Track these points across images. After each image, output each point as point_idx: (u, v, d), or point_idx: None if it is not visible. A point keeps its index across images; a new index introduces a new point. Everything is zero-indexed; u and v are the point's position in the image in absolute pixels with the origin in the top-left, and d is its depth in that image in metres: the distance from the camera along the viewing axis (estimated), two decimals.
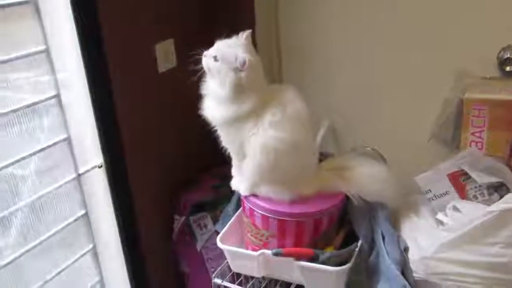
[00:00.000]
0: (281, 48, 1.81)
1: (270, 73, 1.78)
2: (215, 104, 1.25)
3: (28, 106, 1.26)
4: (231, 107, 1.21)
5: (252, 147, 1.22)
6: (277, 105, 1.22)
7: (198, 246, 1.72)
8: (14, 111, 1.23)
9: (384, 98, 1.65)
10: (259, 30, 1.78)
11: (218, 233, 1.43)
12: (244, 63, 1.17)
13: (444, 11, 1.47)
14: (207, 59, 1.22)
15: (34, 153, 1.29)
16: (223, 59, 1.19)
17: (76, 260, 1.46)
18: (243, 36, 1.22)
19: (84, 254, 1.49)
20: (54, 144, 1.34)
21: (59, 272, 1.41)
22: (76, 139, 1.40)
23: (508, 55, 1.39)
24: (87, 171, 1.45)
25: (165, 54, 1.60)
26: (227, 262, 1.44)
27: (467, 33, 1.45)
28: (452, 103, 1.43)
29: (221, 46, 1.22)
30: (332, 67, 1.73)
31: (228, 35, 1.24)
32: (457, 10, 1.45)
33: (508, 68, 1.40)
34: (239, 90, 1.19)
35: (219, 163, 1.55)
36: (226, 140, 1.29)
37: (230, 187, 1.40)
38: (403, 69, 1.59)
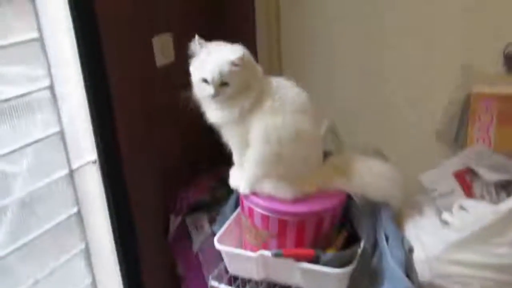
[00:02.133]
0: (282, 45, 1.79)
1: (270, 69, 1.75)
2: (216, 106, 1.22)
3: (20, 96, 1.22)
4: (234, 107, 1.19)
5: (255, 136, 1.19)
6: (277, 92, 1.21)
7: (194, 248, 1.67)
8: (6, 100, 1.19)
9: (387, 96, 1.63)
10: (260, 27, 1.76)
11: (215, 234, 1.39)
12: (241, 57, 1.16)
13: (449, 7, 1.45)
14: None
15: (25, 146, 1.24)
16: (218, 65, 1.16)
17: (68, 260, 1.41)
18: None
19: (76, 254, 1.44)
20: (47, 137, 1.29)
21: (50, 272, 1.35)
22: (70, 133, 1.36)
23: None
24: (81, 166, 1.40)
25: (163, 48, 1.56)
26: (224, 264, 1.39)
27: (473, 29, 1.43)
28: (458, 99, 1.40)
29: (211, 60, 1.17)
30: (334, 64, 1.71)
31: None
32: (463, 6, 1.43)
33: None
34: (241, 88, 1.18)
35: (217, 163, 1.52)
36: (229, 134, 1.26)
37: (227, 188, 1.36)
38: (407, 66, 1.56)
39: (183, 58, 1.62)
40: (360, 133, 1.64)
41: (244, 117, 1.19)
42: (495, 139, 1.31)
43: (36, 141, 1.27)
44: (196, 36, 1.19)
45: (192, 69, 1.21)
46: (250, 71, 1.20)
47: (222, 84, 1.17)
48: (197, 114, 1.25)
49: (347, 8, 1.62)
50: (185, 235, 1.68)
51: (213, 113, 1.23)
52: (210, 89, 1.17)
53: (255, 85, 1.20)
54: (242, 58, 1.17)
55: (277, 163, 1.20)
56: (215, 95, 1.17)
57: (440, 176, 1.26)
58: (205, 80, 1.17)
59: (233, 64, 1.16)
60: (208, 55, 1.18)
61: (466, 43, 1.45)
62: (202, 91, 1.19)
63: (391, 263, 1.16)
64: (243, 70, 1.18)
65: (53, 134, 1.31)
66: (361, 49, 1.64)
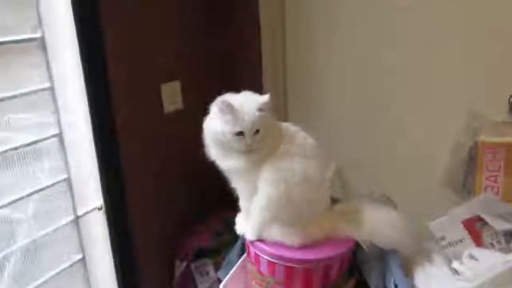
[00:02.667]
0: (288, 89, 1.81)
1: (275, 115, 1.77)
2: (226, 155, 1.21)
3: (29, 144, 1.23)
4: (248, 157, 1.18)
5: (263, 181, 1.18)
6: (287, 140, 1.21)
7: None
8: (15, 149, 1.20)
9: (394, 142, 1.62)
10: (265, 72, 1.79)
11: (220, 280, 1.37)
12: (268, 101, 1.17)
13: (456, 53, 1.47)
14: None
15: (32, 194, 1.24)
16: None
17: None
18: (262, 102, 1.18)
19: None
20: (54, 184, 1.30)
21: None
22: (77, 180, 1.37)
23: None
24: (86, 213, 1.40)
25: (171, 95, 1.59)
26: None
27: (478, 76, 1.44)
28: (463, 147, 1.40)
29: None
30: (340, 109, 1.72)
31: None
32: (469, 52, 1.45)
33: None
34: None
35: (222, 208, 1.52)
36: (239, 181, 1.25)
37: (233, 233, 1.35)
38: (413, 111, 1.57)
39: (190, 105, 1.67)
40: (367, 180, 1.63)
41: (258, 165, 1.19)
42: (503, 188, 1.30)
43: (42, 189, 1.27)
44: (220, 98, 1.17)
45: (217, 125, 1.17)
46: (270, 117, 1.22)
47: (255, 132, 1.17)
48: (204, 160, 1.25)
49: (356, 49, 1.64)
50: (190, 281, 1.65)
51: (229, 162, 1.20)
52: (246, 140, 1.15)
53: (271, 132, 1.20)
54: (269, 102, 1.18)
55: (285, 208, 1.19)
56: (252, 144, 1.16)
57: (449, 224, 1.24)
58: (239, 133, 1.16)
59: (262, 108, 1.17)
60: (236, 110, 1.15)
61: (471, 90, 1.45)
62: (234, 144, 1.17)
63: None
64: (268, 114, 1.19)
65: (60, 181, 1.32)
66: (367, 97, 1.65)
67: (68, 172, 1.33)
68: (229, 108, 1.15)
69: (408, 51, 1.55)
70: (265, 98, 1.19)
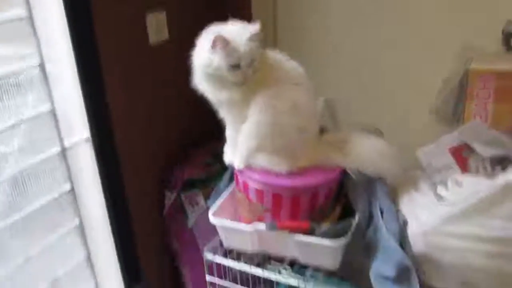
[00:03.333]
0: (277, 17, 1.76)
1: (266, 44, 1.73)
2: (218, 87, 1.19)
3: (9, 75, 1.19)
4: (241, 88, 1.17)
5: (252, 108, 1.18)
6: (275, 67, 1.20)
7: (189, 223, 1.68)
8: None
9: (383, 73, 1.61)
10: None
11: (209, 209, 1.39)
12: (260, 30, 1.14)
13: None
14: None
15: (16, 124, 1.22)
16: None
17: (62, 236, 1.40)
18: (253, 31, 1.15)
19: (71, 230, 1.43)
20: (38, 116, 1.27)
21: (45, 248, 1.35)
22: (62, 111, 1.34)
23: None
24: (73, 144, 1.38)
25: (157, 25, 1.54)
26: (219, 237, 1.40)
27: (471, 6, 1.41)
28: (455, 76, 1.39)
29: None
30: (329, 41, 1.69)
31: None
32: None
33: None
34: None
35: (211, 139, 1.51)
36: (229, 111, 1.24)
37: (222, 164, 1.36)
38: (404, 41, 1.55)
39: (176, 36, 1.62)
40: (356, 111, 1.62)
41: (249, 95, 1.18)
42: (492, 116, 1.31)
43: (27, 120, 1.25)
44: (211, 32, 1.14)
45: (210, 59, 1.14)
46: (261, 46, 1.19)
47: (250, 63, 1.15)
48: (192, 91, 1.23)
49: None
50: (179, 211, 1.68)
51: (222, 93, 1.19)
52: (243, 72, 1.14)
53: (260, 62, 1.18)
54: (260, 31, 1.15)
55: (272, 135, 1.19)
56: (248, 75, 1.15)
57: (436, 151, 1.26)
58: (235, 66, 1.13)
59: (256, 37, 1.15)
60: (230, 43, 1.12)
61: (464, 22, 1.43)
62: (230, 77, 1.15)
63: (385, 235, 1.17)
64: (259, 44, 1.16)
65: (45, 113, 1.29)
66: (358, 27, 1.62)
67: (52, 103, 1.31)
68: (224, 43, 1.12)
69: None
70: (256, 27, 1.16)
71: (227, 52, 1.12)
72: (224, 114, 1.26)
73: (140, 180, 1.60)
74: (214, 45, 1.12)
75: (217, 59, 1.13)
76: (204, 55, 1.16)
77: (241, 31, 1.16)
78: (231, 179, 1.42)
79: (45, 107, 1.29)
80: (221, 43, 1.12)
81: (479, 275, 1.11)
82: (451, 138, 1.27)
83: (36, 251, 1.33)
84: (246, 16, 1.67)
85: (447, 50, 1.46)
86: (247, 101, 1.20)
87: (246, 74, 1.14)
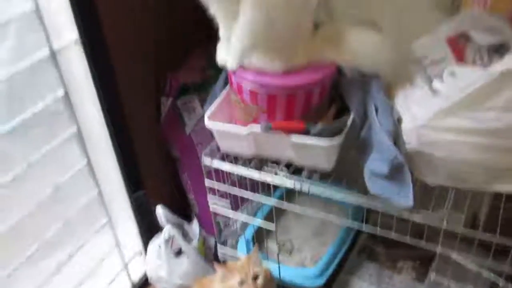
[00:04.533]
0: None
1: None
2: None
3: None
4: None
5: (244, 4, 1.13)
6: None
7: (187, 130, 1.69)
8: None
9: None
10: None
11: None
12: None
13: None
14: None
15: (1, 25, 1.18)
16: None
17: (61, 143, 1.41)
18: None
19: (69, 137, 1.44)
20: (22, 16, 1.22)
21: (44, 155, 1.36)
22: (47, 12, 1.28)
23: None
24: (63, 48, 1.34)
25: None
26: (216, 142, 1.41)
27: None
28: None
29: None
30: None
31: None
32: None
33: None
34: None
35: (206, 42, 1.47)
36: (218, 7, 1.18)
37: (217, 68, 1.33)
38: None
39: None
40: (351, 2, 1.54)
41: None
42: (491, 2, 1.24)
43: (11, 20, 1.20)
44: None
45: None
46: None
47: None
48: None
49: None
50: (177, 117, 1.68)
51: None
52: None
53: None
54: None
55: (266, 32, 1.15)
56: None
57: (433, 42, 1.20)
58: None
59: None
60: None
61: None
62: None
63: (379, 132, 1.16)
64: None
65: (28, 13, 1.24)
66: None
67: (36, 2, 1.25)
68: None
69: None
70: None
71: None
72: (214, 10, 1.20)
73: (135, 86, 1.57)
74: None
75: None
76: None
77: None
78: (226, 82, 1.39)
79: (29, 6, 1.23)
80: None
81: (471, 169, 1.11)
82: (449, 28, 1.20)
83: (36, 158, 1.34)
84: None
85: None
86: None
87: None
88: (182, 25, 1.67)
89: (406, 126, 1.15)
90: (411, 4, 1.41)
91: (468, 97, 1.05)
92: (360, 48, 1.21)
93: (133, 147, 1.61)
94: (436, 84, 1.14)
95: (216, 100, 1.39)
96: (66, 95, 1.38)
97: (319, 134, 1.18)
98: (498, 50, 1.14)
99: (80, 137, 1.47)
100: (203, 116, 1.37)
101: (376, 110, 1.22)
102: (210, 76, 1.60)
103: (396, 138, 1.16)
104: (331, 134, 1.18)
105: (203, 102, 1.59)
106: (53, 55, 1.31)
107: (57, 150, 1.40)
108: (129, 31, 1.50)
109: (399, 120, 1.20)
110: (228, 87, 1.38)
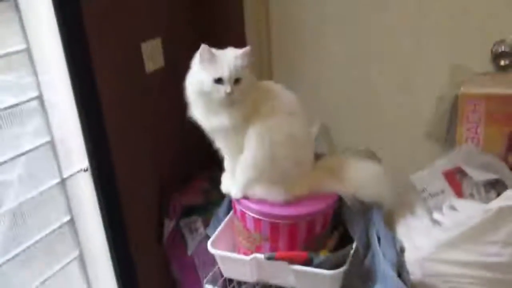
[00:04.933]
0: (272, 47, 1.78)
1: (260, 72, 1.75)
2: (210, 113, 1.20)
3: (8, 108, 1.21)
4: (236, 112, 1.18)
5: (248, 139, 1.19)
6: (269, 97, 1.22)
7: (189, 251, 1.68)
8: None
9: (377, 96, 1.63)
10: (248, 29, 1.75)
11: (209, 237, 1.39)
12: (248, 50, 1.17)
13: (437, 6, 1.45)
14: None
15: (15, 157, 1.23)
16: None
17: (63, 268, 1.40)
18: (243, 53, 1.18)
19: (71, 261, 1.43)
20: (37, 147, 1.29)
21: (45, 281, 1.35)
22: (60, 142, 1.35)
23: (502, 49, 1.37)
24: (72, 174, 1.39)
25: (152, 54, 1.56)
26: (218, 267, 1.40)
27: (460, 28, 1.43)
28: (446, 99, 1.41)
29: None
30: (323, 66, 1.71)
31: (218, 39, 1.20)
32: (450, 5, 1.43)
33: (502, 62, 1.39)
34: (247, 87, 1.18)
35: (209, 165, 1.52)
36: (224, 141, 1.25)
37: (220, 191, 1.36)
38: (396, 65, 1.57)
39: (172, 62, 1.64)
40: (351, 135, 1.63)
41: (242, 123, 1.19)
42: (484, 139, 1.32)
43: (26, 152, 1.26)
44: (203, 44, 1.16)
45: (198, 74, 1.17)
46: (251, 72, 1.21)
47: (236, 81, 1.16)
48: (188, 119, 1.24)
49: (336, 10, 1.61)
50: (179, 238, 1.68)
51: (213, 120, 1.20)
52: (226, 87, 1.14)
53: (253, 89, 1.20)
54: (249, 52, 1.17)
55: (270, 167, 1.20)
56: (232, 92, 1.14)
57: (430, 176, 1.26)
58: (218, 80, 1.14)
59: (243, 56, 1.16)
60: (216, 57, 1.16)
61: (454, 43, 1.45)
62: (215, 93, 1.15)
63: (383, 263, 1.17)
64: (249, 66, 1.18)
65: (44, 144, 1.30)
66: (350, 51, 1.64)
67: (51, 134, 1.32)
68: (209, 54, 1.14)
69: (392, 8, 1.52)
70: (245, 48, 1.18)
71: (212, 65, 1.15)
72: (220, 144, 1.27)
73: (139, 209, 1.60)
74: (200, 56, 1.15)
75: (203, 73, 1.16)
76: (192, 70, 1.20)
77: (230, 51, 1.20)
78: (230, 206, 1.42)
79: (44, 138, 1.30)
80: (207, 54, 1.14)
81: None
82: (444, 162, 1.27)
83: (39, 283, 1.33)
84: (240, 46, 1.71)
85: (438, 72, 1.48)
86: (240, 129, 1.20)
87: (231, 90, 1.14)
88: (187, 149, 1.73)
89: (410, 257, 1.16)
90: (406, 134, 1.50)
91: (469, 231, 1.08)
92: (360, 178, 1.26)
93: (135, 269, 1.60)
94: (437, 215, 1.17)
95: (219, 225, 1.41)
96: (72, 220, 1.40)
97: (322, 265, 1.18)
98: (494, 186, 1.19)
99: (82, 260, 1.46)
100: (205, 237, 1.37)
101: (379, 239, 1.23)
102: (214, 198, 1.63)
103: (400, 269, 1.16)
104: (334, 265, 1.18)
105: (206, 223, 1.60)
106: (63, 182, 1.36)
107: (58, 274, 1.39)
108: (136, 157, 1.56)
109: (401, 249, 1.21)
110: (231, 212, 1.41)
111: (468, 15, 1.41)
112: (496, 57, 1.39)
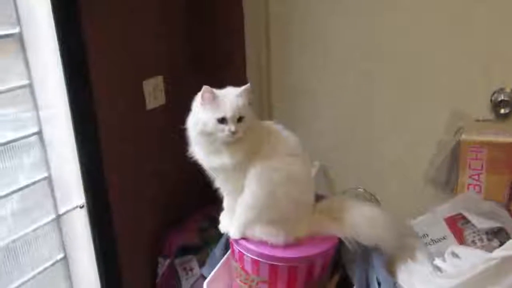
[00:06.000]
0: (271, 89, 1.80)
1: (260, 113, 1.76)
2: (211, 152, 1.20)
3: (8, 143, 1.20)
4: (238, 151, 1.17)
5: (248, 180, 1.18)
6: (270, 138, 1.21)
7: None
8: None
9: (377, 140, 1.63)
10: (250, 71, 1.77)
11: (204, 277, 1.37)
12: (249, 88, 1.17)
13: (438, 54, 1.48)
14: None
15: (11, 193, 1.22)
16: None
17: None
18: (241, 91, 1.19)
19: None
20: (34, 183, 1.27)
21: None
22: (58, 178, 1.34)
23: (502, 98, 1.39)
24: (68, 211, 1.37)
25: (153, 91, 1.57)
26: None
27: (461, 76, 1.46)
28: (447, 145, 1.42)
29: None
30: (323, 108, 1.72)
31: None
32: (451, 53, 1.46)
33: (502, 111, 1.40)
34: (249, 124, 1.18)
35: (206, 203, 1.51)
36: (225, 180, 1.24)
37: (217, 230, 1.34)
38: (397, 110, 1.58)
39: (173, 100, 1.65)
40: (351, 177, 1.63)
41: (243, 161, 1.18)
42: (485, 187, 1.33)
43: (22, 188, 1.25)
44: (205, 86, 1.16)
45: (201, 115, 1.16)
46: (252, 110, 1.21)
47: (238, 120, 1.15)
48: (187, 157, 1.24)
49: (339, 49, 1.64)
50: (173, 278, 1.65)
51: (214, 159, 1.19)
52: (230, 127, 1.14)
53: (255, 126, 1.20)
54: (249, 89, 1.18)
55: (270, 208, 1.19)
56: (236, 131, 1.14)
57: (432, 222, 1.26)
58: (222, 120, 1.14)
59: (244, 94, 1.17)
60: (218, 97, 1.16)
61: (453, 90, 1.47)
62: (219, 133, 1.15)
63: None
64: (250, 103, 1.18)
65: (40, 180, 1.29)
66: (350, 93, 1.66)
67: (49, 170, 1.31)
68: (211, 95, 1.14)
69: (392, 53, 1.55)
70: (245, 86, 1.18)
71: (214, 106, 1.14)
72: (220, 183, 1.26)
73: (134, 247, 1.57)
74: (202, 98, 1.15)
75: (205, 114, 1.15)
76: (194, 111, 1.19)
77: (231, 90, 1.20)
78: (227, 246, 1.40)
79: (42, 173, 1.29)
80: (209, 95, 1.14)
81: None
82: (446, 208, 1.27)
83: None
84: (241, 84, 1.73)
85: (438, 116, 1.49)
86: (240, 169, 1.20)
87: (235, 129, 1.14)
88: (184, 187, 1.72)
89: None
90: (407, 178, 1.50)
91: (472, 279, 1.06)
92: (360, 223, 1.24)
93: None
94: (439, 262, 1.15)
95: (216, 265, 1.38)
96: (65, 257, 1.37)
97: None
98: (496, 234, 1.18)
99: None
100: (200, 277, 1.34)
101: (379, 284, 1.21)
102: (210, 237, 1.61)
103: None
104: None
105: (202, 263, 1.57)
106: (58, 218, 1.33)
107: None
108: (133, 194, 1.55)
109: None
110: (228, 252, 1.38)
111: (468, 63, 1.44)
112: (496, 105, 1.41)
